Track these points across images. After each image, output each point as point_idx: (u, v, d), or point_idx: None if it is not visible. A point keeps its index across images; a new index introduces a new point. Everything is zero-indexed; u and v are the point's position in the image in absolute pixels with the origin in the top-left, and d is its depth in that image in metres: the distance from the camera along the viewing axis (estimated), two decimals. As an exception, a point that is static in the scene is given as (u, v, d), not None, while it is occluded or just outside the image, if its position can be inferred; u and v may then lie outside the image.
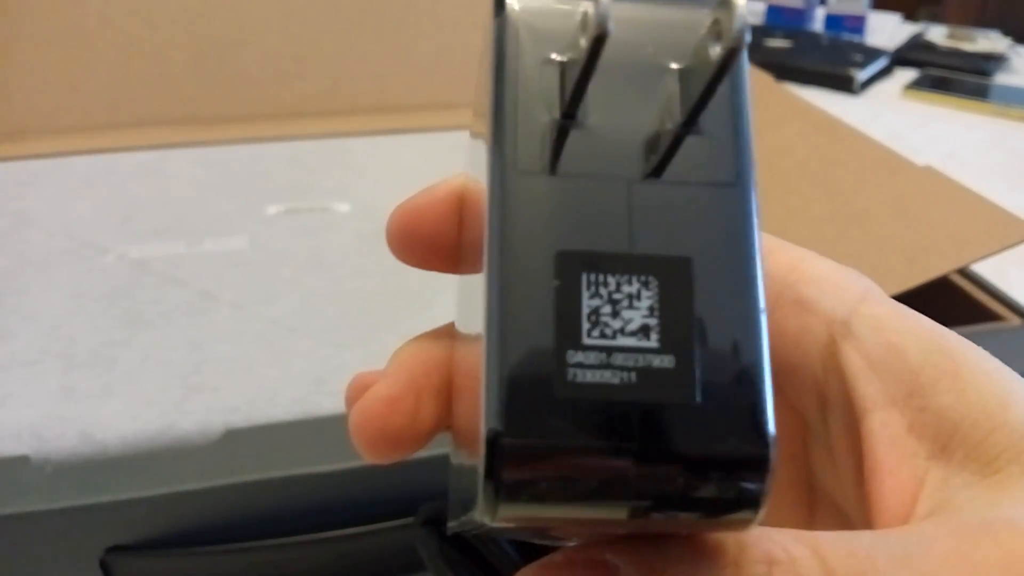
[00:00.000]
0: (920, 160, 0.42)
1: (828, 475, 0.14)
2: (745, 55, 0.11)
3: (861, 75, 0.72)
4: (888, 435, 0.12)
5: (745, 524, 0.10)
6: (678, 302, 0.10)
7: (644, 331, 0.10)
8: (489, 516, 0.09)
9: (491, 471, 0.09)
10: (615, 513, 0.09)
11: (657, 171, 0.10)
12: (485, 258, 0.10)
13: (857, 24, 0.82)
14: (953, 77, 0.74)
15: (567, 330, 0.09)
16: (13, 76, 0.45)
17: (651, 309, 0.10)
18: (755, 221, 0.11)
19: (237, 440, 0.29)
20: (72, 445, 0.28)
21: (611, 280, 0.10)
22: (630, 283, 0.10)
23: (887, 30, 0.85)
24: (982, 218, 0.37)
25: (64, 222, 0.38)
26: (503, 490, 0.09)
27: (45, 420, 0.28)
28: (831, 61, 0.74)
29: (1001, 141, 0.64)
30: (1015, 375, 0.12)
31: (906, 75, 0.75)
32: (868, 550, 0.10)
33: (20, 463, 0.27)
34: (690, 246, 0.10)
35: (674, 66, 0.11)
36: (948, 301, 0.39)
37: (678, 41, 0.11)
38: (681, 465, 0.09)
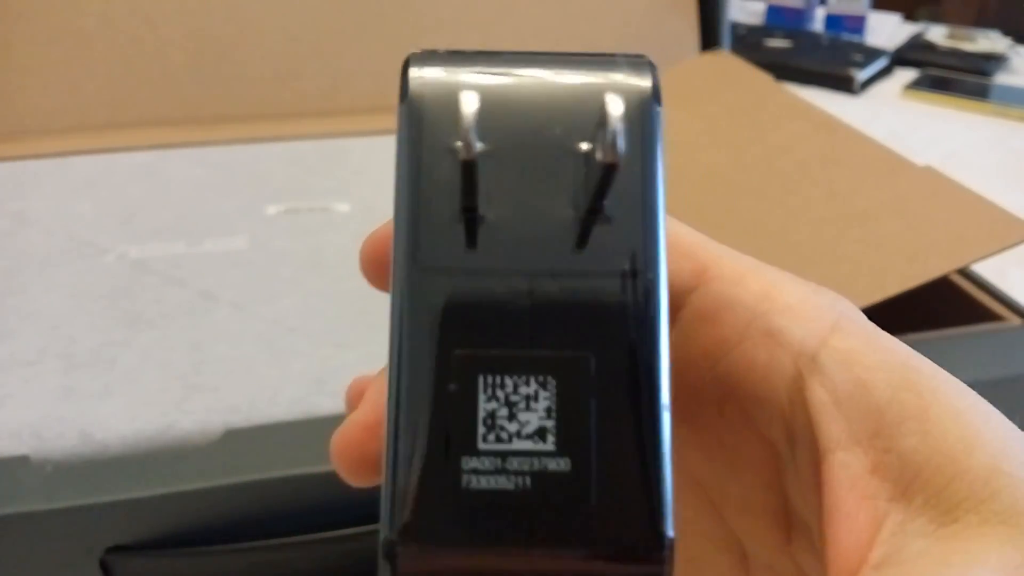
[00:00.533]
0: (920, 160, 0.42)
1: (802, 504, 0.14)
2: (657, 131, 0.11)
3: (861, 75, 0.72)
4: (848, 476, 0.12)
5: None
6: (576, 403, 0.10)
7: (540, 434, 0.10)
8: None
9: (388, 573, 0.09)
10: None
11: (559, 262, 0.10)
12: (388, 353, 0.10)
13: (857, 24, 0.82)
14: (953, 77, 0.74)
15: (462, 435, 0.09)
16: (13, 76, 0.45)
17: (548, 411, 0.10)
18: (662, 311, 0.10)
19: (237, 440, 0.29)
20: (72, 445, 0.28)
21: (508, 382, 0.10)
22: (528, 384, 0.10)
23: (887, 30, 0.85)
24: (982, 218, 0.37)
25: (64, 222, 0.38)
26: None
27: (45, 420, 0.28)
28: (831, 61, 0.74)
29: (1001, 141, 0.64)
30: (990, 412, 0.12)
31: (906, 75, 0.75)
32: None
33: (20, 463, 0.27)
34: (591, 342, 0.10)
35: (582, 147, 0.11)
36: (948, 301, 0.39)
37: (585, 119, 0.11)
38: (576, 565, 0.09)
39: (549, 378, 0.10)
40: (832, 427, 0.12)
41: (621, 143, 0.10)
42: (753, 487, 0.14)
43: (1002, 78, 0.76)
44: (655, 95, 0.11)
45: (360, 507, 0.31)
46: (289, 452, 0.30)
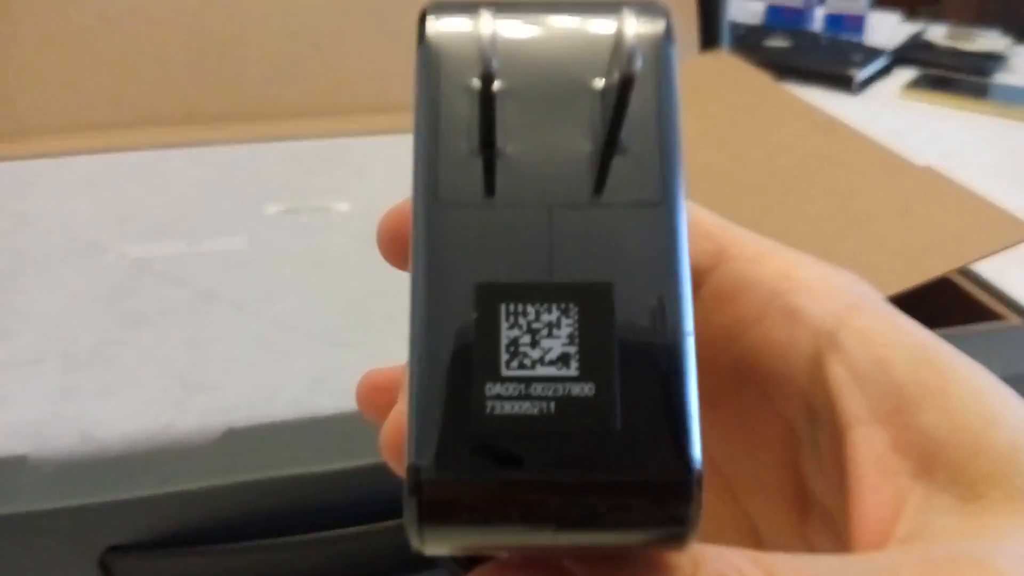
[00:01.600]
0: (920, 159, 0.42)
1: (819, 484, 0.14)
2: (671, 66, 0.11)
3: (861, 74, 0.72)
4: (871, 452, 0.12)
5: (677, 546, 0.10)
6: (599, 329, 0.10)
7: (564, 360, 0.09)
8: (417, 546, 0.10)
9: (414, 505, 0.09)
10: (541, 540, 0.09)
11: (579, 195, 0.10)
12: (409, 290, 0.10)
13: (856, 23, 0.82)
14: (953, 76, 0.74)
15: (485, 362, 0.09)
16: (13, 76, 0.44)
17: (571, 337, 0.10)
18: (682, 240, 0.10)
19: (237, 440, 0.29)
20: (72, 445, 0.28)
21: (530, 310, 0.10)
22: (549, 312, 0.10)
23: (886, 29, 0.85)
24: (982, 218, 0.37)
25: (64, 222, 0.38)
26: (427, 522, 0.09)
27: (45, 420, 0.28)
28: (831, 60, 0.74)
29: (1001, 140, 0.64)
30: (1008, 392, 0.12)
31: (906, 74, 0.75)
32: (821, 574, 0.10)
33: (19, 463, 0.27)
34: (612, 271, 0.10)
35: (598, 84, 0.11)
36: (949, 301, 0.39)
37: (599, 57, 0.11)
38: (601, 492, 0.09)
39: (571, 305, 0.10)
40: (852, 403, 0.12)
41: (638, 58, 0.10)
42: (769, 467, 0.14)
43: (1002, 77, 0.76)
44: (668, 35, 0.11)
45: (361, 507, 0.31)
46: (289, 452, 0.30)
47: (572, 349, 0.10)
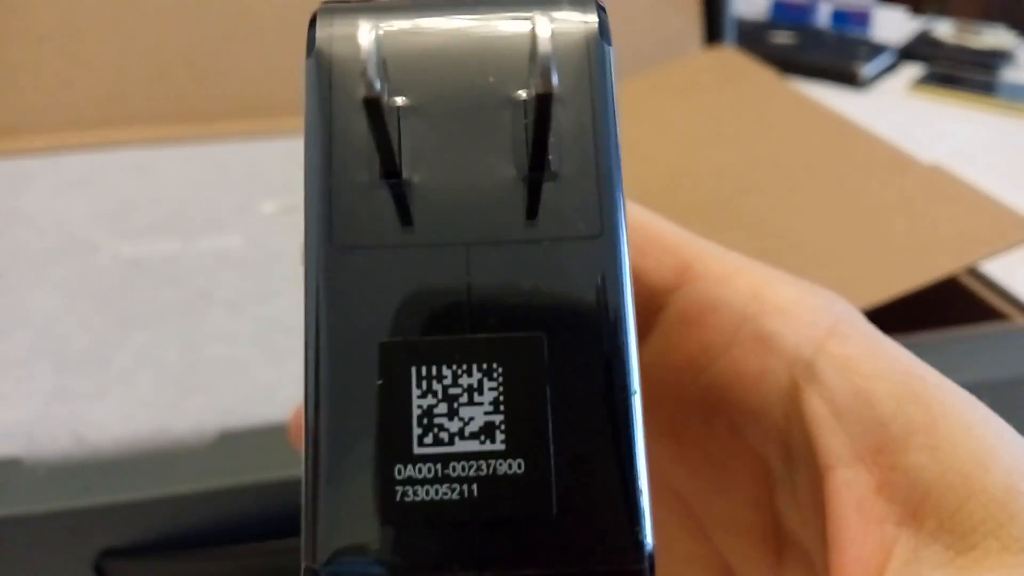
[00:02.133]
0: (927, 156, 0.41)
1: (796, 523, 0.13)
2: (606, 72, 0.09)
3: (866, 70, 0.71)
4: (853, 496, 0.11)
5: None
6: (528, 392, 0.08)
7: (488, 431, 0.08)
8: None
9: None
10: None
11: (502, 230, 0.09)
12: (303, 350, 0.08)
13: (862, 19, 0.82)
14: (960, 73, 0.73)
15: (394, 440, 0.08)
16: (5, 72, 0.44)
17: (496, 403, 0.08)
18: (625, 279, 0.09)
19: (233, 442, 0.28)
20: (64, 447, 0.27)
21: (447, 372, 0.08)
22: (470, 373, 0.08)
23: (892, 25, 0.85)
24: (989, 217, 0.37)
25: (57, 220, 0.38)
26: None
27: (37, 421, 0.28)
28: (836, 56, 0.73)
29: (1008, 137, 0.64)
30: (1002, 426, 0.11)
31: (913, 71, 0.74)
32: None
33: (12, 465, 0.27)
34: (543, 320, 0.08)
35: (520, 95, 0.09)
36: (955, 300, 0.39)
37: (520, 63, 0.09)
38: None
39: (494, 364, 0.08)
40: (832, 441, 0.11)
41: (554, 69, 0.08)
42: (742, 505, 0.13)
43: (1010, 74, 0.75)
44: (602, 32, 0.10)
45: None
46: (286, 454, 0.29)
47: (497, 418, 0.08)
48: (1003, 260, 0.36)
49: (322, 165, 0.09)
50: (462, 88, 0.09)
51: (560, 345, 0.08)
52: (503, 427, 0.08)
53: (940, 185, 0.39)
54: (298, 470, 0.29)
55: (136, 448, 0.28)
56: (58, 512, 0.28)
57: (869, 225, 0.37)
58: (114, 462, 0.28)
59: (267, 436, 0.29)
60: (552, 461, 0.08)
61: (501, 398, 0.08)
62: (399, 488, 0.08)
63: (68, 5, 0.45)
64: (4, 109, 0.44)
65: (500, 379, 0.08)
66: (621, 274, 0.09)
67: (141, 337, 0.31)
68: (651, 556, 0.08)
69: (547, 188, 0.09)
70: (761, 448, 0.13)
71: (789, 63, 0.69)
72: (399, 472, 0.08)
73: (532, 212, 0.09)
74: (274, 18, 0.48)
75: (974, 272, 0.39)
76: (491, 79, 0.09)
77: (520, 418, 0.08)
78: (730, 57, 0.52)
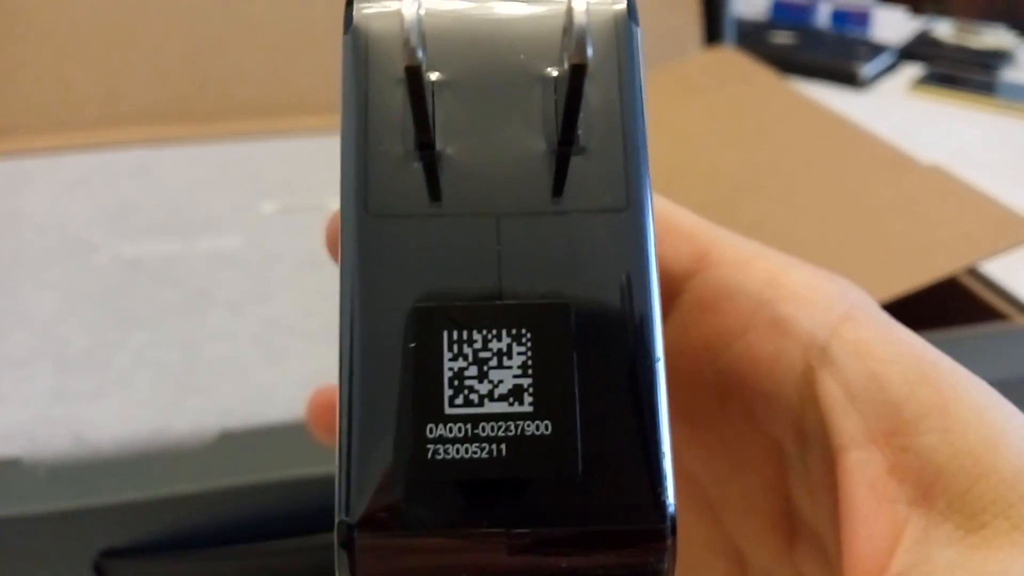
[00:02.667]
0: (927, 156, 0.41)
1: (808, 507, 0.13)
2: (635, 50, 0.10)
3: (866, 70, 0.71)
4: (866, 476, 0.11)
5: None
6: (556, 357, 0.08)
7: (516, 394, 0.08)
8: None
9: (345, 567, 0.08)
10: None
11: (531, 202, 0.09)
12: (339, 314, 0.09)
13: (862, 19, 0.82)
14: (960, 73, 0.73)
15: (426, 400, 0.08)
16: (5, 72, 0.44)
17: (524, 367, 0.08)
18: (651, 251, 0.09)
19: (232, 442, 0.28)
20: (65, 447, 0.27)
21: (477, 337, 0.08)
22: (499, 338, 0.08)
23: (892, 25, 0.85)
24: (989, 218, 0.37)
25: (57, 220, 0.38)
26: None
27: (37, 422, 0.28)
28: (836, 56, 0.73)
29: (1008, 137, 0.64)
30: (1012, 410, 0.11)
31: (912, 71, 0.74)
32: None
33: (12, 466, 0.27)
34: (570, 289, 0.09)
35: (550, 72, 0.10)
36: (956, 300, 0.39)
37: (552, 41, 0.10)
38: (561, 548, 0.08)
39: (523, 330, 0.08)
40: (846, 423, 0.11)
41: (588, 43, 0.09)
42: (755, 488, 0.13)
43: (1010, 74, 0.75)
44: (631, 12, 0.10)
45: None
46: (285, 454, 0.29)
47: (526, 381, 0.08)
48: (1003, 260, 0.36)
49: (358, 137, 0.09)
50: (494, 65, 0.10)
51: (587, 313, 0.09)
52: (531, 390, 0.08)
53: (940, 185, 0.39)
54: (297, 471, 0.28)
55: (136, 448, 0.28)
56: (58, 512, 0.28)
57: (869, 225, 0.37)
58: (114, 462, 0.28)
59: (267, 436, 0.29)
60: (578, 423, 0.08)
61: (529, 362, 0.08)
62: (430, 446, 0.08)
63: (68, 5, 0.45)
64: (4, 109, 0.44)
65: (528, 344, 0.08)
66: (646, 245, 0.09)
67: (141, 337, 0.31)
68: (673, 517, 0.08)
69: (575, 162, 0.09)
70: (775, 431, 0.13)
71: (789, 63, 0.69)
72: (431, 431, 0.08)
73: (560, 184, 0.09)
74: (274, 18, 0.48)
75: (974, 272, 0.39)
76: (522, 57, 0.10)
77: (547, 382, 0.08)
78: (730, 57, 0.52)
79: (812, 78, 0.70)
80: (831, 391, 0.12)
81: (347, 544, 0.08)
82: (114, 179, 0.41)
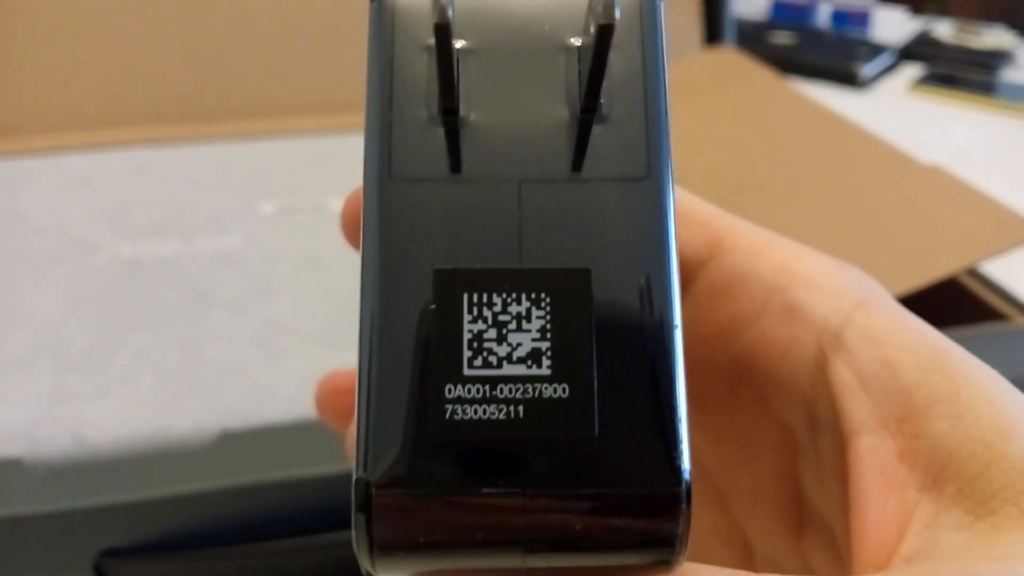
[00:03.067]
0: (927, 156, 0.41)
1: (818, 495, 0.13)
2: (658, 20, 0.10)
3: (866, 70, 0.71)
4: (876, 462, 0.11)
5: (665, 569, 0.09)
6: (574, 322, 0.08)
7: (534, 357, 0.08)
8: (368, 569, 0.08)
9: (363, 524, 0.08)
10: (509, 563, 0.08)
11: (553, 169, 0.09)
12: (360, 276, 0.09)
13: (862, 19, 0.82)
14: (960, 73, 0.73)
15: (445, 360, 0.08)
16: (5, 72, 0.44)
17: (543, 331, 0.08)
18: (670, 220, 0.09)
19: (232, 442, 0.28)
20: (65, 447, 0.27)
21: (496, 300, 0.09)
22: (519, 302, 0.08)
23: (892, 26, 0.85)
24: (989, 218, 0.37)
25: (57, 220, 0.38)
26: (378, 544, 0.08)
27: (37, 422, 0.28)
28: (836, 56, 0.73)
29: (1008, 138, 0.64)
30: (1023, 399, 0.11)
31: (913, 71, 0.74)
32: None
33: (12, 466, 0.27)
34: (590, 255, 0.09)
35: (575, 41, 0.10)
36: (955, 301, 0.39)
37: (576, 11, 0.10)
38: (577, 509, 0.08)
39: (543, 294, 0.09)
40: (857, 409, 0.11)
41: (616, 5, 0.09)
42: (764, 476, 0.13)
43: (1009, 74, 0.75)
44: None
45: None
46: (285, 454, 0.29)
47: (544, 345, 0.08)
48: (1003, 260, 0.36)
49: (382, 102, 0.10)
50: (519, 34, 0.10)
51: (606, 279, 0.09)
52: (549, 353, 0.08)
53: (940, 186, 0.39)
54: (297, 471, 0.29)
55: (136, 448, 0.28)
56: (58, 512, 0.28)
57: (869, 226, 0.37)
58: (114, 463, 0.28)
59: (267, 437, 0.29)
60: (595, 387, 0.08)
61: (548, 326, 0.08)
62: (449, 406, 0.08)
63: (68, 5, 0.44)
64: (4, 109, 0.44)
65: (548, 308, 0.09)
66: (666, 214, 0.09)
67: (141, 337, 0.31)
68: (688, 482, 0.08)
69: (597, 130, 0.09)
70: (786, 417, 0.13)
71: (789, 63, 0.69)
72: (449, 391, 0.08)
73: (582, 152, 0.09)
74: (274, 18, 0.48)
75: (974, 272, 0.39)
76: (547, 27, 0.10)
77: (566, 346, 0.08)
78: (730, 57, 0.52)
79: (812, 78, 0.70)
80: (843, 377, 0.12)
81: (365, 501, 0.08)
82: (114, 179, 0.41)
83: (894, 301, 0.13)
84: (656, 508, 0.08)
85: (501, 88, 0.09)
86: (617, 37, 0.09)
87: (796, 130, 0.44)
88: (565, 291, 0.09)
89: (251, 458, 0.29)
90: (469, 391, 0.08)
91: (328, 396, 0.15)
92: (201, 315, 0.33)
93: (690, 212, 0.13)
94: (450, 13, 0.09)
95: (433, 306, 0.08)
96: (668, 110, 0.10)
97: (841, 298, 0.12)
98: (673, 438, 0.08)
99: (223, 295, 0.34)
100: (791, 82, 0.52)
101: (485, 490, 0.08)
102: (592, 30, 0.09)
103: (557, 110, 0.09)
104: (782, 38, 0.77)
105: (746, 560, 0.14)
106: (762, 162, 0.42)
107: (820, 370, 0.12)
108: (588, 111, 0.09)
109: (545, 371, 0.08)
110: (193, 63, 0.46)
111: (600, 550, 0.08)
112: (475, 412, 0.08)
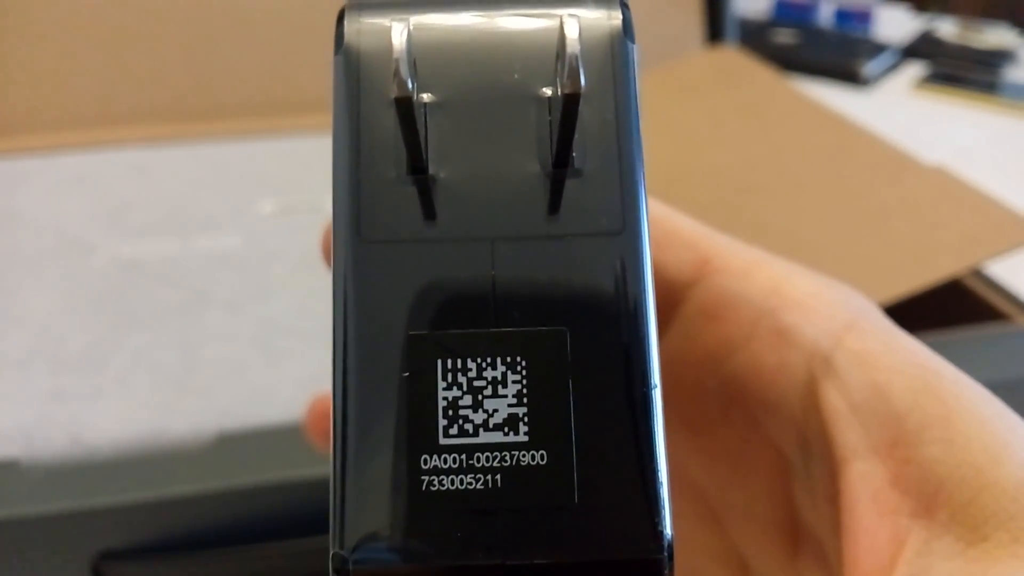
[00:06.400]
0: (930, 156, 0.41)
1: (812, 516, 0.13)
2: (630, 70, 0.10)
3: (869, 69, 0.71)
4: (868, 488, 0.11)
5: None
6: (551, 385, 0.08)
7: (511, 423, 0.08)
8: None
9: None
10: None
11: (526, 226, 0.09)
12: (332, 338, 0.09)
13: (865, 18, 0.81)
14: (963, 72, 0.73)
15: (420, 430, 0.08)
16: (1, 71, 0.44)
17: (519, 396, 0.08)
18: (647, 275, 0.09)
19: (231, 443, 0.28)
20: (62, 448, 0.27)
21: (471, 365, 0.08)
22: (494, 366, 0.08)
23: (895, 24, 0.84)
24: (992, 219, 0.36)
25: (54, 220, 0.38)
26: None
27: (34, 423, 0.28)
28: (839, 55, 0.73)
29: (1012, 137, 0.63)
30: (1016, 422, 0.11)
31: (915, 70, 0.74)
32: None
33: (9, 467, 0.27)
34: (566, 314, 0.08)
35: (545, 92, 0.09)
36: (958, 301, 0.38)
37: (546, 60, 0.09)
38: None
39: (518, 358, 0.08)
40: (848, 435, 0.11)
41: (582, 69, 0.08)
42: (759, 497, 0.13)
43: (1012, 73, 0.75)
44: (626, 30, 0.10)
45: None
46: (284, 456, 0.29)
47: (520, 410, 0.08)
48: (1006, 261, 0.36)
49: (350, 160, 0.09)
50: (488, 84, 0.09)
51: (582, 339, 0.08)
52: (526, 419, 0.08)
53: (943, 186, 0.39)
54: (296, 472, 0.28)
55: (134, 450, 0.28)
56: (55, 514, 0.28)
57: (872, 226, 0.37)
58: (112, 464, 0.28)
59: (265, 438, 0.29)
60: (574, 452, 0.08)
61: (525, 391, 0.08)
62: (425, 477, 0.08)
63: (65, 4, 0.44)
64: (1, 108, 0.43)
65: (524, 372, 0.08)
66: (643, 270, 0.09)
67: (138, 338, 0.31)
68: (670, 546, 0.08)
69: (570, 185, 0.09)
70: (778, 440, 0.13)
71: (791, 62, 0.69)
72: (425, 462, 0.08)
73: (555, 208, 0.09)
74: (274, 18, 0.48)
75: (977, 273, 0.38)
76: (516, 76, 0.09)
77: (543, 410, 0.08)
78: (732, 56, 0.52)
79: (814, 77, 0.70)
80: (834, 402, 0.12)
81: (341, 574, 0.08)
82: (112, 179, 0.41)
83: (885, 319, 0.12)
84: (640, 574, 0.08)
85: (471, 143, 0.09)
86: (589, 86, 0.09)
87: (798, 130, 0.44)
88: (541, 353, 0.08)
89: (249, 459, 0.29)
90: (445, 461, 0.08)
91: (318, 419, 0.14)
92: (199, 315, 0.32)
93: (677, 231, 0.13)
94: (410, 85, 0.08)
95: (407, 374, 0.08)
96: (642, 160, 0.09)
97: (831, 320, 0.12)
98: (655, 502, 0.08)
99: (221, 295, 0.33)
100: (793, 81, 0.52)
101: (465, 562, 0.08)
102: (560, 88, 0.09)
103: (529, 165, 0.09)
104: (784, 37, 0.77)
105: None
106: (764, 162, 0.42)
107: (810, 395, 0.12)
108: (560, 165, 0.09)
109: (523, 437, 0.08)
110: (191, 62, 0.46)
111: None
112: (452, 483, 0.08)
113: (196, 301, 0.33)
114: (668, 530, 0.08)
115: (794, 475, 0.13)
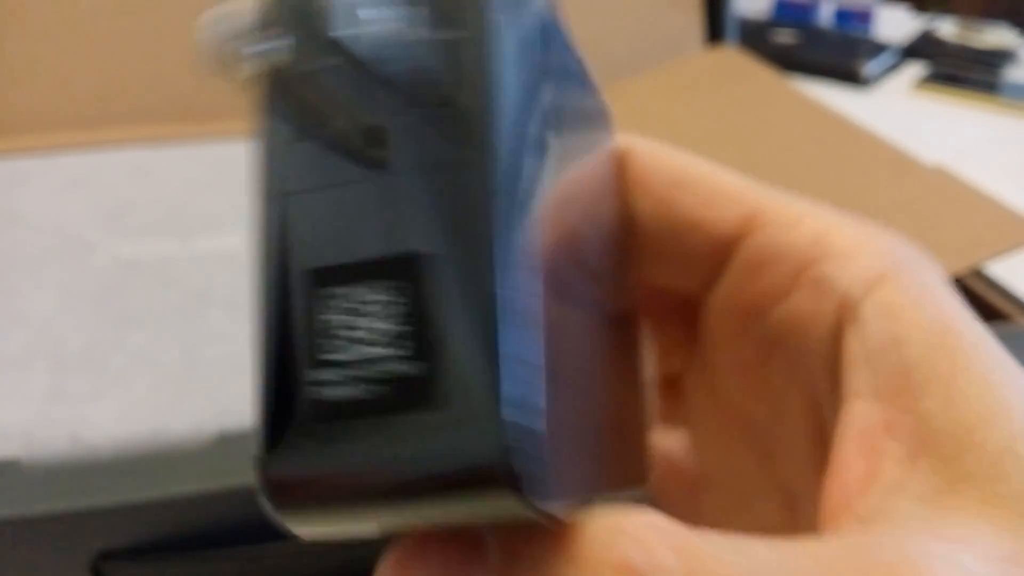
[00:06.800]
0: (930, 155, 0.41)
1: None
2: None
3: (869, 69, 0.71)
4: (859, 427, 0.11)
5: (531, 510, 0.09)
6: (427, 301, 0.09)
7: (393, 338, 0.09)
8: (290, 532, 0.10)
9: (264, 496, 0.09)
10: (399, 521, 0.09)
11: (380, 165, 0.10)
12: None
13: (865, 18, 0.81)
14: (963, 72, 0.73)
15: (307, 349, 0.09)
16: (2, 71, 0.44)
17: (400, 316, 0.09)
18: (512, 191, 0.09)
19: (231, 443, 0.28)
20: (62, 448, 0.27)
21: (339, 292, 0.09)
22: (366, 292, 0.09)
23: (896, 24, 0.84)
24: (992, 219, 0.36)
25: (54, 220, 0.38)
26: (280, 511, 0.09)
27: (35, 423, 0.28)
28: (839, 55, 0.73)
29: (1012, 137, 0.63)
30: None
31: (915, 70, 0.74)
32: (750, 570, 0.09)
33: (10, 467, 0.27)
34: (423, 239, 0.09)
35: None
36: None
37: None
38: (430, 483, 0.09)
39: (393, 281, 0.09)
40: (858, 378, 0.12)
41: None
42: (799, 436, 0.14)
43: (1013, 73, 0.75)
44: None
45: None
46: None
47: (402, 328, 0.09)
48: (1007, 261, 0.36)
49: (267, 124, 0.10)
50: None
51: (438, 259, 0.09)
52: (408, 335, 0.09)
53: (944, 186, 0.39)
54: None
55: (134, 449, 0.28)
56: (55, 514, 0.28)
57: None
58: (112, 463, 0.28)
59: (265, 438, 0.29)
60: (450, 360, 0.09)
61: (403, 311, 0.09)
62: (311, 388, 0.09)
63: (65, 4, 0.44)
64: (1, 108, 0.43)
65: (399, 294, 0.09)
66: (496, 186, 0.09)
67: (139, 338, 0.31)
68: (532, 430, 0.09)
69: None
70: (811, 387, 0.13)
71: (791, 62, 0.69)
72: (311, 375, 0.09)
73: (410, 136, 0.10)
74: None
75: (977, 273, 0.38)
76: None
77: (421, 326, 0.09)
78: (732, 56, 0.52)
79: (814, 77, 0.70)
80: (853, 348, 0.12)
81: (258, 474, 0.09)
82: (111, 179, 0.41)
83: (929, 273, 0.12)
84: (503, 461, 0.09)
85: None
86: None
87: (798, 130, 0.44)
88: (413, 275, 0.09)
89: (249, 459, 0.29)
90: (329, 374, 0.09)
91: None
92: (199, 315, 0.32)
93: (722, 188, 0.14)
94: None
95: (294, 303, 0.10)
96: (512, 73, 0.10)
97: (867, 269, 0.12)
98: (518, 388, 0.09)
99: (221, 295, 0.33)
100: (793, 81, 0.51)
101: (355, 461, 0.09)
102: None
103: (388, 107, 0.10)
104: (784, 37, 0.77)
105: (788, 505, 0.14)
106: (764, 161, 0.42)
107: (836, 342, 0.12)
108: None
109: (405, 351, 0.09)
110: (191, 62, 0.46)
111: (465, 502, 0.09)
112: (333, 392, 0.09)
113: (196, 301, 0.33)
114: (532, 422, 0.09)
115: (826, 419, 0.13)
